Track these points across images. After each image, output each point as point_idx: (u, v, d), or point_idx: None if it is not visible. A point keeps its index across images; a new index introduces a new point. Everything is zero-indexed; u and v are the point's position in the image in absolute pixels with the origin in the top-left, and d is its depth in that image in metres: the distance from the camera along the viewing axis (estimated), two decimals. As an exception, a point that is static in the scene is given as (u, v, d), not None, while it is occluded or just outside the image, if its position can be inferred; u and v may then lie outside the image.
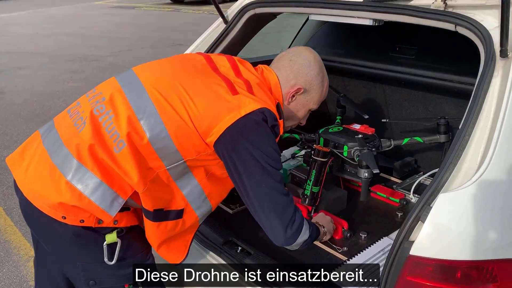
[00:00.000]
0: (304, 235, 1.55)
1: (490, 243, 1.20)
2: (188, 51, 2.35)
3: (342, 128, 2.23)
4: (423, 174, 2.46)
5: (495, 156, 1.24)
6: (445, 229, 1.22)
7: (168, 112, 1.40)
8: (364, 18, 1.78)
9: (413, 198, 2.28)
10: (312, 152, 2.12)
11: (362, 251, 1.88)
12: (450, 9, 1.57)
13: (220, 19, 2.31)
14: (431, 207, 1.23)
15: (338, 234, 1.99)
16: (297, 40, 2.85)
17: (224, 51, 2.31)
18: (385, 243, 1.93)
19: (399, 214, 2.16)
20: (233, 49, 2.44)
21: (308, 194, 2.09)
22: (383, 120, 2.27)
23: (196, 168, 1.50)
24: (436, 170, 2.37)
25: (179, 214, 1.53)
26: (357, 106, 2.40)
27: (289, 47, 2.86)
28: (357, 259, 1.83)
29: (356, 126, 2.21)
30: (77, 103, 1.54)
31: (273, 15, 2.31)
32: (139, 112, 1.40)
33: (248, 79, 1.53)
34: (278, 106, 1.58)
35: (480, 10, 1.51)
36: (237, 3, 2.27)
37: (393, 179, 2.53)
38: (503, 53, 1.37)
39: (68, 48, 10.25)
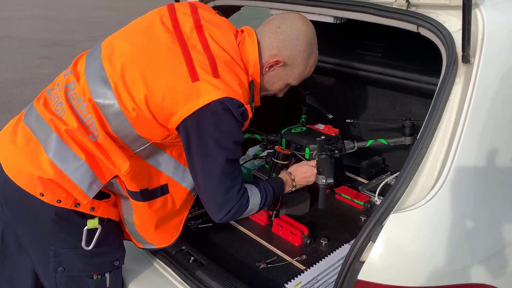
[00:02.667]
0: (252, 211, 1.55)
1: (446, 267, 1.12)
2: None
3: (305, 128, 2.13)
4: (391, 174, 2.40)
5: (452, 172, 1.16)
6: (398, 251, 1.13)
7: (127, 102, 1.37)
8: (325, 15, 1.67)
9: (378, 200, 2.20)
10: (274, 153, 2.02)
11: (321, 260, 1.80)
12: (413, 8, 1.46)
13: None
14: (383, 226, 1.14)
15: (297, 241, 1.90)
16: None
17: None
18: (346, 250, 1.85)
19: (363, 218, 2.09)
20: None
21: None
22: (347, 121, 2.17)
23: (166, 145, 1.50)
24: (404, 171, 2.33)
25: (163, 189, 1.54)
26: (322, 105, 2.30)
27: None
28: (315, 269, 1.75)
29: (320, 127, 2.12)
30: (56, 84, 1.52)
31: (236, 7, 2.18)
32: (99, 99, 1.39)
33: (215, 56, 1.40)
34: (250, 85, 1.47)
35: (444, 10, 1.41)
36: (196, -6, 2.13)
37: (359, 179, 2.45)
38: (465, 59, 1.28)
39: (41, 31, 9.88)
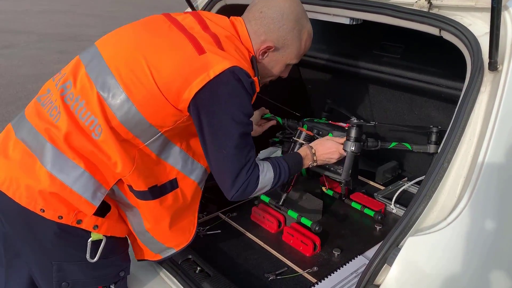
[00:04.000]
0: (264, 188, 1.47)
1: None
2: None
3: (328, 122, 2.01)
4: (408, 180, 2.30)
5: (477, 190, 1.07)
6: (416, 275, 1.05)
7: (134, 87, 1.31)
8: (340, 16, 1.58)
9: (394, 209, 2.12)
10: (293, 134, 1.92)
11: (334, 272, 1.72)
12: (435, 10, 1.37)
13: (189, 9, 2.10)
14: (400, 249, 1.05)
15: (309, 251, 1.83)
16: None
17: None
18: (359, 263, 1.78)
19: (378, 228, 2.00)
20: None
21: None
22: (371, 123, 2.04)
23: (175, 136, 1.44)
24: (423, 177, 2.23)
25: (173, 184, 1.49)
26: (344, 108, 2.18)
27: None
28: (327, 282, 1.68)
29: (343, 124, 1.99)
30: (47, 90, 1.44)
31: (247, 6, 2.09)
32: (104, 92, 1.33)
33: (216, 33, 1.40)
34: (252, 60, 1.45)
35: (469, 12, 1.31)
36: (207, -8, 2.06)
37: (375, 185, 2.36)
38: (492, 66, 1.18)
39: (58, 26, 9.94)
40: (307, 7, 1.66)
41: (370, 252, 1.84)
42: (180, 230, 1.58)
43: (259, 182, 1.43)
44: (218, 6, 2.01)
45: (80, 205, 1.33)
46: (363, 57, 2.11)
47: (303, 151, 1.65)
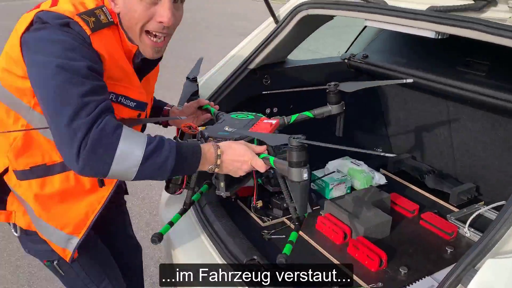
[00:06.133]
0: (132, 154, 1.11)
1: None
2: (234, 51, 2.23)
3: (253, 116, 1.66)
4: (485, 204, 2.19)
5: None
6: (492, 300, 1.00)
7: None
8: (425, 30, 1.55)
9: (468, 232, 2.02)
10: None
11: (399, 291, 1.68)
12: (531, 26, 1.30)
13: (271, 19, 2.16)
14: (477, 270, 1.02)
15: (374, 266, 1.79)
16: (356, 43, 2.62)
17: (273, 52, 2.17)
18: (427, 283, 1.71)
19: (449, 250, 1.92)
20: (283, 50, 2.30)
21: None
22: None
23: None
24: (502, 202, 2.11)
25: (65, 166, 1.29)
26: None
27: (347, 50, 2.65)
28: (392, 299, 1.64)
29: (271, 121, 1.60)
30: None
31: (329, 17, 2.12)
32: None
33: None
34: (100, 9, 1.24)
35: None
36: (289, 2, 2.11)
37: (448, 206, 2.26)
38: None
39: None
40: (390, 19, 1.66)
41: (439, 275, 1.76)
42: (75, 212, 1.41)
43: (122, 132, 1.10)
44: (300, 15, 2.04)
45: None
46: (445, 73, 2.05)
47: (207, 146, 1.26)
